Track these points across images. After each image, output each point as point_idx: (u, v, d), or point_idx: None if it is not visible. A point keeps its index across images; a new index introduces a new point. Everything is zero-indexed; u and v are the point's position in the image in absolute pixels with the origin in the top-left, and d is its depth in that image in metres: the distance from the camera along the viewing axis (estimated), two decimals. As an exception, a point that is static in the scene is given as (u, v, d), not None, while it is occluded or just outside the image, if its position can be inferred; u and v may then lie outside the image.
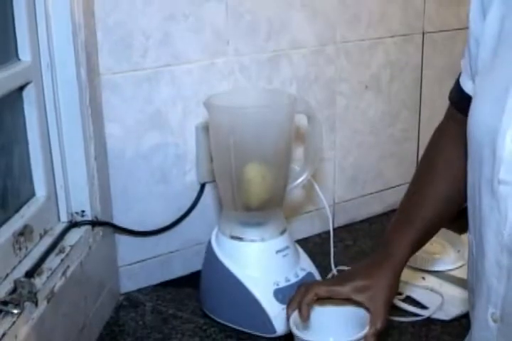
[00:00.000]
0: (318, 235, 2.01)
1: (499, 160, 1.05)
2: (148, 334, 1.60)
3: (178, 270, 1.82)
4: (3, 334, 1.13)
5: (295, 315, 1.32)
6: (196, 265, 1.73)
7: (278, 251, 1.57)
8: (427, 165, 1.38)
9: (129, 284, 1.76)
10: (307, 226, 1.99)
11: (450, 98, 1.34)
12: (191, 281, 1.77)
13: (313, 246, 1.93)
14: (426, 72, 2.12)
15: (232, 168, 1.51)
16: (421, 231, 1.34)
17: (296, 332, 1.30)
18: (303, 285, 1.34)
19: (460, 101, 1.26)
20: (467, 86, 1.23)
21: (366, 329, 1.29)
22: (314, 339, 1.32)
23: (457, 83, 1.28)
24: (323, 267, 1.76)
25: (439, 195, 1.34)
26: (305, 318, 1.29)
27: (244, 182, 1.52)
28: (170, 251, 1.80)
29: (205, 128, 1.66)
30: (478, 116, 1.12)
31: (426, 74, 2.12)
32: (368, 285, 1.30)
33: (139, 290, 1.77)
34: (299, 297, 1.31)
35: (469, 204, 1.18)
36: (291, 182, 1.62)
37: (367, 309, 1.29)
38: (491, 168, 1.08)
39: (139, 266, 1.77)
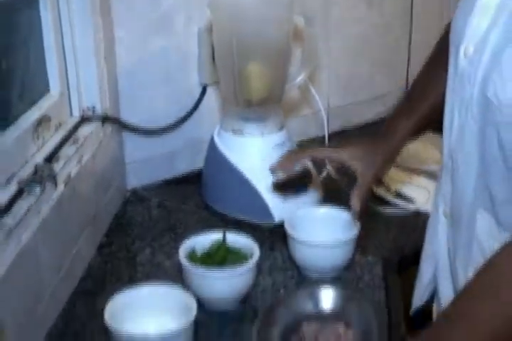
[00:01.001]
0: (313, 139, 2.08)
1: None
2: (155, 225, 1.71)
3: (182, 168, 1.93)
4: (28, 209, 1.24)
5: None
6: (198, 163, 1.84)
7: (277, 145, 1.68)
8: (439, 52, 1.41)
9: (135, 181, 1.87)
10: (303, 129, 2.08)
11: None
12: (194, 179, 1.87)
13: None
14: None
15: (235, 66, 1.61)
16: (421, 116, 1.40)
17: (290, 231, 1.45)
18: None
19: None
20: None
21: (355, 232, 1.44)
22: (306, 238, 1.46)
23: None
24: (317, 164, 1.85)
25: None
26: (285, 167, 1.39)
27: (245, 79, 1.62)
28: (173, 149, 1.90)
29: (207, 32, 1.75)
30: (454, 22, 1.22)
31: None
32: (365, 155, 1.38)
33: (144, 187, 1.88)
34: (292, 153, 1.39)
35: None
36: (289, 82, 1.71)
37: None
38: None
39: (145, 164, 1.87)
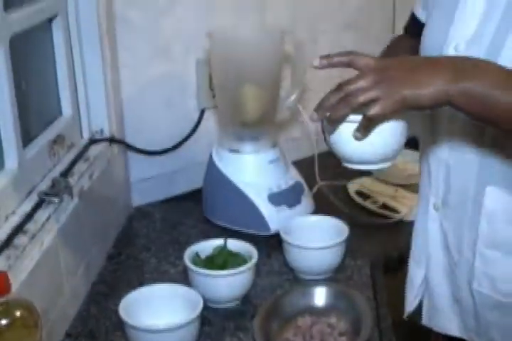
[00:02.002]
0: (303, 159, 2.19)
1: None
2: (159, 238, 1.85)
3: (183, 185, 2.07)
4: (48, 218, 1.39)
5: None
6: (198, 181, 1.96)
7: (270, 162, 1.83)
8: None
9: (139, 198, 2.01)
10: (294, 151, 2.17)
11: (405, 28, 1.58)
12: (194, 197, 2.01)
13: (300, 167, 2.06)
14: (398, 12, 2.36)
15: (231, 90, 1.78)
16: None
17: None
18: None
19: (413, 28, 1.49)
20: (419, 12, 1.48)
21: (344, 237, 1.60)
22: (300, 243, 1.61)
23: (412, 15, 1.52)
24: (309, 180, 1.99)
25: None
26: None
27: (241, 102, 1.77)
28: (174, 169, 2.05)
29: (205, 59, 1.91)
30: (429, 33, 1.35)
31: (398, 14, 2.36)
32: None
33: (148, 204, 2.02)
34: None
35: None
36: (280, 103, 1.87)
37: None
38: None
39: (148, 182, 2.02)
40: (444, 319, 1.47)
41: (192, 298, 1.41)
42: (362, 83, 1.08)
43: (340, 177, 2.08)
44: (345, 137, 1.13)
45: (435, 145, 1.38)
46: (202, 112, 2.01)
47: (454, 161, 1.34)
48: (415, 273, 1.51)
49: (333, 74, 2.23)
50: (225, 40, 1.77)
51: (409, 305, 1.54)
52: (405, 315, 1.55)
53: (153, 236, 1.86)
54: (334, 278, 1.65)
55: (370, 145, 1.12)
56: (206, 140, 2.04)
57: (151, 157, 1.99)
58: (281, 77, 1.85)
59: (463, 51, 1.25)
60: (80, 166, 1.63)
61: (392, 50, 1.55)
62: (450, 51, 1.28)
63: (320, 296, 1.49)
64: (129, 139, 1.93)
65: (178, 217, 1.96)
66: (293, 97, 1.87)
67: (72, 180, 1.54)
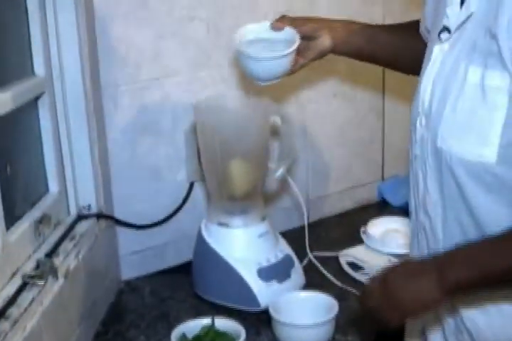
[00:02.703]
0: (294, 229, 2.18)
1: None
2: (149, 312, 1.82)
3: (172, 260, 2.05)
4: (32, 300, 1.37)
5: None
6: (187, 255, 1.95)
7: (260, 236, 1.82)
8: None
9: (128, 272, 1.98)
10: (284, 221, 2.18)
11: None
12: (184, 269, 1.99)
13: (290, 238, 2.04)
14: (388, 81, 2.36)
15: (219, 164, 1.77)
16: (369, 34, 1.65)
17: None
18: None
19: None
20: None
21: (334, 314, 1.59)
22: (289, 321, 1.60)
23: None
24: (299, 253, 1.97)
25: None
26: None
27: (229, 176, 1.77)
28: (164, 242, 2.03)
29: (193, 133, 1.90)
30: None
31: (388, 82, 2.37)
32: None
33: (138, 277, 1.99)
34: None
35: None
36: (269, 176, 1.86)
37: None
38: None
39: (137, 256, 2.00)
40: None
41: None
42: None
43: (331, 247, 2.07)
44: None
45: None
46: (191, 185, 2.00)
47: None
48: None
49: (325, 141, 2.27)
50: (211, 112, 1.77)
51: None
52: None
53: (142, 311, 1.83)
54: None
55: None
56: (196, 212, 2.03)
57: (140, 230, 1.97)
58: (269, 150, 1.84)
59: None
60: (66, 245, 1.61)
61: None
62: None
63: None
64: (118, 213, 1.92)
65: (168, 290, 1.93)
66: (281, 170, 1.86)
67: (57, 261, 1.52)
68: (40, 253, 1.52)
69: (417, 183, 1.35)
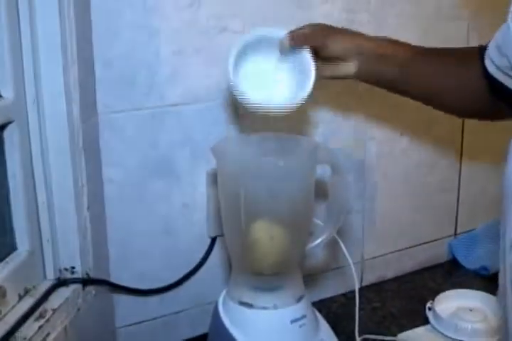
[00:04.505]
0: (344, 295, 1.82)
1: None
2: None
3: (185, 332, 1.64)
4: None
5: None
6: (205, 326, 1.53)
7: (293, 321, 1.36)
8: None
9: (128, 349, 1.58)
10: (331, 286, 1.80)
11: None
12: (200, 344, 1.59)
13: (337, 308, 1.76)
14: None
15: (241, 225, 1.32)
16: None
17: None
18: None
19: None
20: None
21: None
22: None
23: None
24: (346, 335, 1.57)
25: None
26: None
27: (251, 242, 1.33)
28: (175, 311, 1.62)
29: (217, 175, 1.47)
30: None
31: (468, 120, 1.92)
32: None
33: (141, 357, 1.59)
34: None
35: None
36: (311, 241, 1.42)
37: None
38: None
39: (140, 328, 1.59)
40: None
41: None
42: None
43: (385, 329, 1.67)
44: None
45: None
46: (213, 241, 1.58)
47: None
48: None
49: (387, 188, 1.85)
50: (233, 157, 1.34)
51: None
52: None
53: None
54: None
55: None
56: (218, 272, 1.64)
57: (144, 297, 1.57)
58: (312, 210, 1.41)
59: None
60: (29, 328, 1.19)
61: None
62: None
63: None
64: (116, 276, 1.51)
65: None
66: (327, 234, 1.42)
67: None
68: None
69: None
